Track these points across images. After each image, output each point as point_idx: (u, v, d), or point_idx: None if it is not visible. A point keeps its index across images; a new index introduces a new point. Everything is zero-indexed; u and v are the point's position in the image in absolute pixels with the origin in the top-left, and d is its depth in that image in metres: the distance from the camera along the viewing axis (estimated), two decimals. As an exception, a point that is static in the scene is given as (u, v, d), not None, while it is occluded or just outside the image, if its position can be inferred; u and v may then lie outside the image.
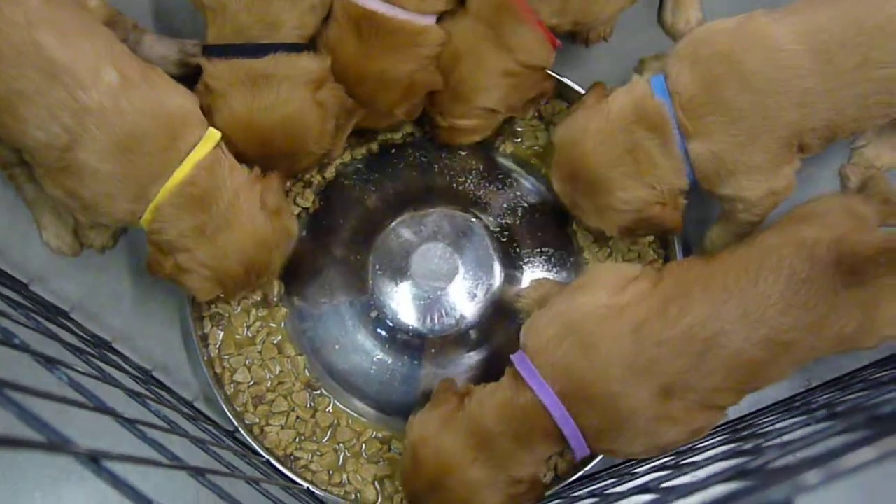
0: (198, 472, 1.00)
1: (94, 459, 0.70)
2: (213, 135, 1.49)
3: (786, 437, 1.14)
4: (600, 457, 1.58)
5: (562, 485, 1.62)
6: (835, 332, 1.37)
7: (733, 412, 1.64)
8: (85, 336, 1.64)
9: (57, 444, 0.68)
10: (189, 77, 1.63)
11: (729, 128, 1.44)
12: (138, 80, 1.42)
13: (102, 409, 1.02)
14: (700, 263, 1.44)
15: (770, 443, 1.15)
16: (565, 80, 1.77)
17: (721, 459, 1.11)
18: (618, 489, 1.43)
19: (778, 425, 1.46)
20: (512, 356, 1.46)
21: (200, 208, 1.46)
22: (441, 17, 1.61)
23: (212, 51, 1.55)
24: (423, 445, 1.47)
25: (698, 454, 1.41)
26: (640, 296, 1.41)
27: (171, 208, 1.44)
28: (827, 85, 1.42)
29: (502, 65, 1.60)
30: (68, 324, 1.65)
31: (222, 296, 1.59)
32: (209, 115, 1.54)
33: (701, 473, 1.10)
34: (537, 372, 1.39)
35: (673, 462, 1.41)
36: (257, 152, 1.58)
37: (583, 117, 1.55)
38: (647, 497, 1.10)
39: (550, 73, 1.71)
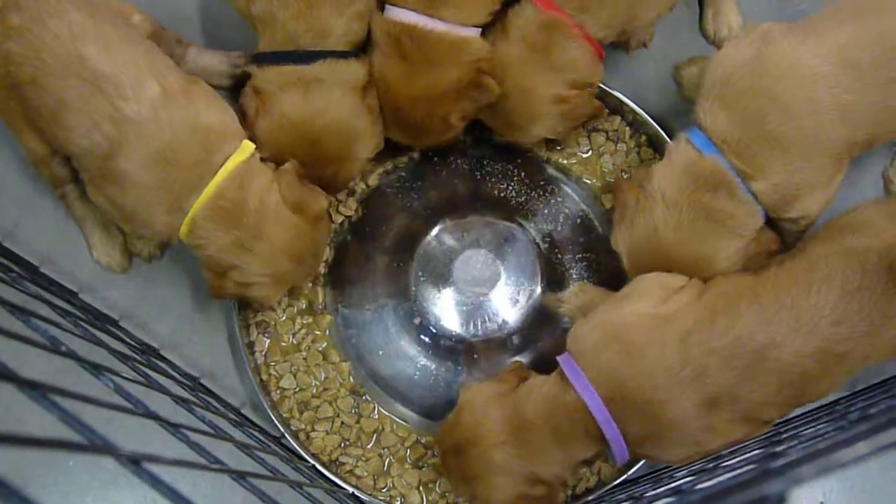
0: (239, 476, 1.02)
1: (135, 462, 0.71)
2: (247, 146, 1.50)
3: (812, 442, 1.13)
4: (643, 461, 1.57)
5: (605, 489, 1.63)
6: (888, 341, 1.35)
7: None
8: (133, 343, 1.66)
9: (98, 446, 0.70)
10: (237, 88, 1.66)
11: (783, 158, 1.42)
12: (179, 93, 1.45)
13: (146, 413, 1.04)
14: (746, 276, 1.43)
15: (801, 445, 1.15)
16: (612, 91, 1.76)
17: (753, 462, 1.10)
18: (652, 492, 1.43)
19: (815, 429, 1.44)
20: (558, 357, 1.46)
21: (232, 223, 1.47)
22: (484, 32, 1.59)
23: (261, 58, 1.57)
24: (468, 409, 1.50)
25: (735, 457, 1.40)
26: (686, 306, 1.40)
27: (205, 222, 1.47)
28: (863, 101, 1.41)
29: (553, 90, 1.58)
30: (117, 332, 1.67)
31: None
32: (256, 118, 1.57)
33: (732, 475, 1.10)
34: (583, 374, 1.40)
35: (712, 465, 1.41)
36: (305, 155, 1.58)
37: (640, 219, 1.52)
38: (677, 498, 1.10)
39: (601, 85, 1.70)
